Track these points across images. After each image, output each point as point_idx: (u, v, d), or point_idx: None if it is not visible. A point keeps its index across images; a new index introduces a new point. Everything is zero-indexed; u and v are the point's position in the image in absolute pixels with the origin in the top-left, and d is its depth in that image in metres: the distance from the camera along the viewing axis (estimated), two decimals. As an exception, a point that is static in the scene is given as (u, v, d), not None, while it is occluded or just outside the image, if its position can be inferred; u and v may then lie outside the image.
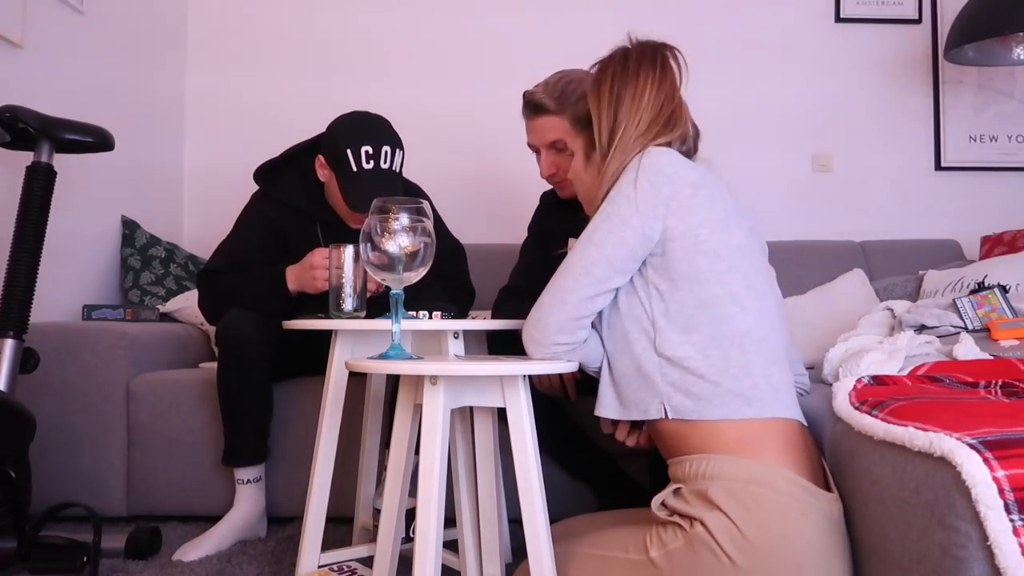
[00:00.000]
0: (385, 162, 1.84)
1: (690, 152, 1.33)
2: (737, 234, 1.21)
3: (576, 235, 1.91)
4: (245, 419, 1.91)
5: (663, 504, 1.18)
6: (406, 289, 1.24)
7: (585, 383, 1.64)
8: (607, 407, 1.27)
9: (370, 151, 1.82)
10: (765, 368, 1.18)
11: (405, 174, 2.18)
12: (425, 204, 1.22)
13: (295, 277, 1.82)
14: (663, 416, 1.18)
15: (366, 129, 1.87)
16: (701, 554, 1.09)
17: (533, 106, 1.77)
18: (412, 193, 2.11)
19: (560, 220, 1.94)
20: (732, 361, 1.16)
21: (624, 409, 1.24)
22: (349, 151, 1.83)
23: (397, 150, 1.87)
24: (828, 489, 1.17)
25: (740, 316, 1.18)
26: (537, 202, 2.08)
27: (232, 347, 1.85)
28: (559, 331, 1.22)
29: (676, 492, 1.17)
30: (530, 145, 1.83)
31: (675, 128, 1.28)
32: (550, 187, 1.94)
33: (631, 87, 1.28)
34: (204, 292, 1.95)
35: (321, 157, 1.92)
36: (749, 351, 1.17)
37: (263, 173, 2.02)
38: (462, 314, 2.06)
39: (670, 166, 1.19)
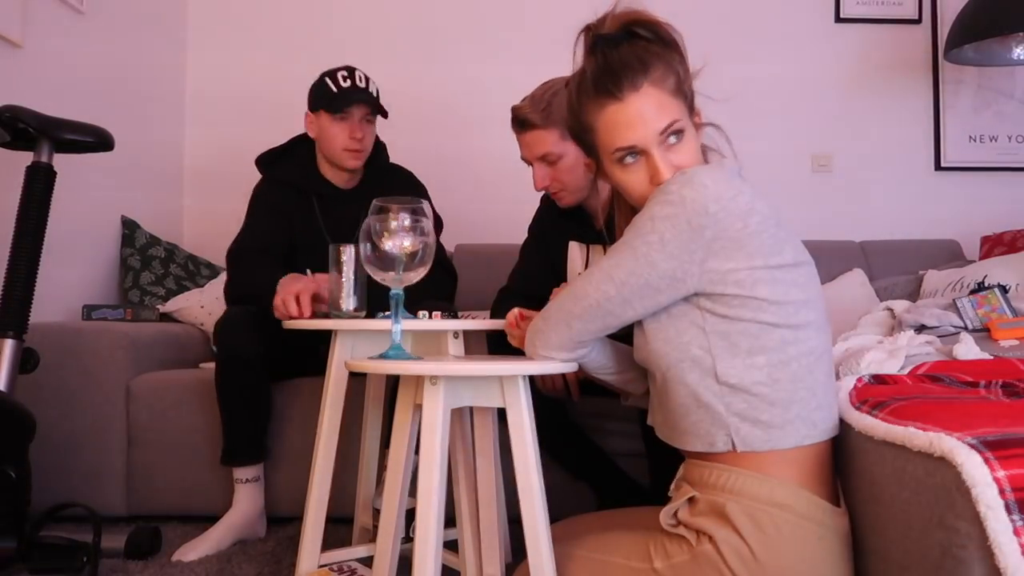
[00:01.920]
0: (361, 82, 2.04)
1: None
2: (787, 248, 1.10)
3: (577, 238, 1.94)
4: (243, 418, 1.92)
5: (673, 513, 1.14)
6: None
7: (588, 383, 1.64)
8: (662, 435, 1.20)
9: (345, 74, 2.04)
10: (826, 383, 1.12)
11: (401, 163, 2.22)
12: (424, 204, 1.22)
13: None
14: (731, 450, 1.09)
15: (339, 67, 2.08)
16: (707, 572, 1.07)
17: (520, 122, 1.78)
18: (404, 178, 2.20)
19: (561, 222, 1.94)
20: (800, 382, 1.08)
21: (683, 438, 1.14)
22: (327, 79, 2.04)
23: (371, 81, 2.07)
24: (839, 501, 1.14)
25: (804, 333, 1.09)
26: (538, 203, 2.08)
27: (228, 347, 1.88)
28: (559, 348, 1.19)
29: (690, 501, 1.13)
30: (523, 159, 1.84)
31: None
32: (551, 190, 1.94)
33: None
34: (229, 275, 2.05)
35: (308, 114, 2.09)
36: (814, 369, 1.10)
37: (263, 160, 2.15)
38: (446, 290, 2.14)
39: (716, 203, 1.05)
